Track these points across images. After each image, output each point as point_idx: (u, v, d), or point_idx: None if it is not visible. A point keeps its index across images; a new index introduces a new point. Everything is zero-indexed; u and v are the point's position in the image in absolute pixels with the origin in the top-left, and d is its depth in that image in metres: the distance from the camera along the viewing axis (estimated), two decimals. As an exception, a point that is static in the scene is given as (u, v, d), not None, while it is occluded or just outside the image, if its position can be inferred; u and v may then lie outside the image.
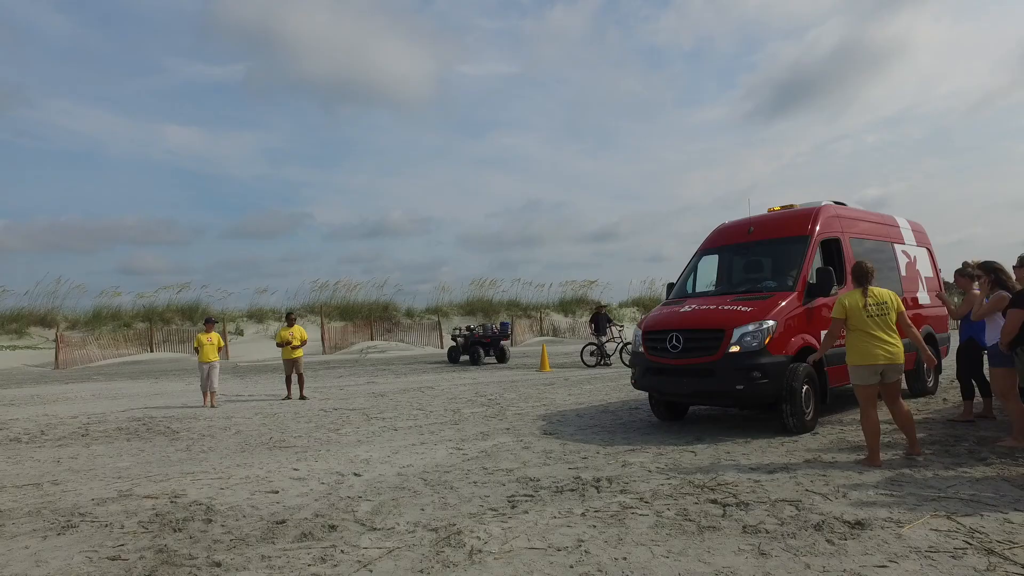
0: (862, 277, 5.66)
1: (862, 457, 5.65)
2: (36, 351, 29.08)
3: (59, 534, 4.35)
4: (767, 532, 3.84)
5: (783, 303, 7.15)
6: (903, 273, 9.24)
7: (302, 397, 12.34)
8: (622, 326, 21.23)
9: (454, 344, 21.45)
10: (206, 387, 11.61)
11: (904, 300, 8.11)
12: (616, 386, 12.56)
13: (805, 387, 6.99)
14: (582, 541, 3.82)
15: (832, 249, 8.01)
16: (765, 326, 6.91)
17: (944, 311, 9.41)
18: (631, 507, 4.49)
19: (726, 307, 7.39)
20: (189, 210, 72.51)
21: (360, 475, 5.79)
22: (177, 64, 77.20)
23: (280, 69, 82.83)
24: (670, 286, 9.08)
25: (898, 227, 9.73)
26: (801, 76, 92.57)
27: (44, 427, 9.63)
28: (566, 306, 38.43)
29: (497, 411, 9.69)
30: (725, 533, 3.87)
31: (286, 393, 12.63)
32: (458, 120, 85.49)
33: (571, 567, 3.43)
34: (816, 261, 7.71)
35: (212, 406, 11.47)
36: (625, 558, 3.52)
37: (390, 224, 70.66)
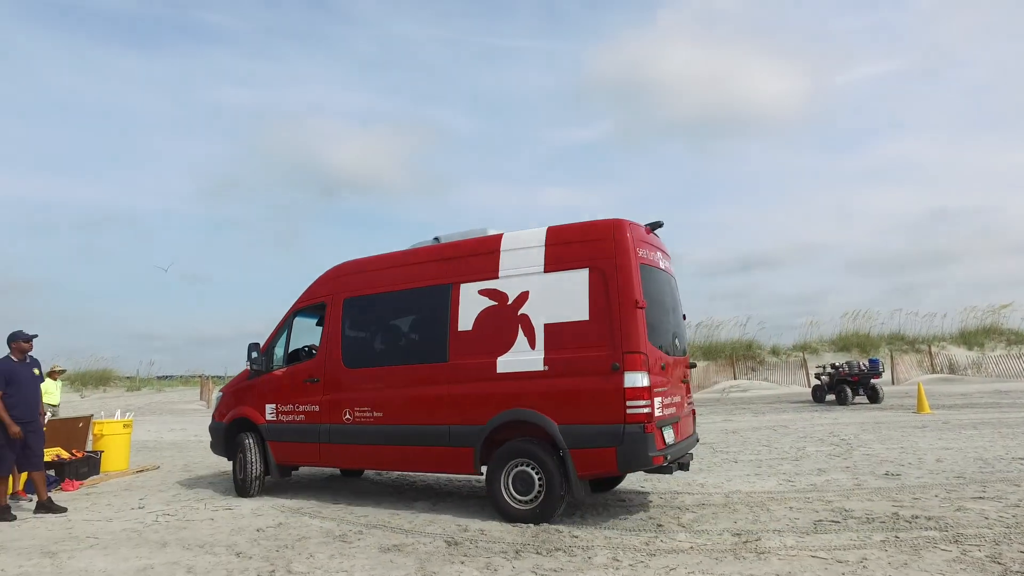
0: None
1: None
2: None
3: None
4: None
5: None
6: (464, 327, 6.34)
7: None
8: None
9: (818, 383, 20.69)
10: None
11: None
12: (1005, 434, 10.90)
13: None
14: (866, 559, 4.35)
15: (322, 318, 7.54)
16: None
17: (595, 386, 5.56)
18: (936, 542, 4.69)
19: None
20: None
21: (688, 493, 6.94)
22: (553, 133, 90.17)
23: (647, 117, 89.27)
24: None
25: (491, 254, 6.40)
26: None
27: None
28: (969, 337, 32.23)
29: (844, 450, 9.64)
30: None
31: None
32: (834, 135, 78.43)
33: (842, 574, 4.06)
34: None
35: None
36: (900, 576, 3.99)
37: (764, 255, 68.47)
